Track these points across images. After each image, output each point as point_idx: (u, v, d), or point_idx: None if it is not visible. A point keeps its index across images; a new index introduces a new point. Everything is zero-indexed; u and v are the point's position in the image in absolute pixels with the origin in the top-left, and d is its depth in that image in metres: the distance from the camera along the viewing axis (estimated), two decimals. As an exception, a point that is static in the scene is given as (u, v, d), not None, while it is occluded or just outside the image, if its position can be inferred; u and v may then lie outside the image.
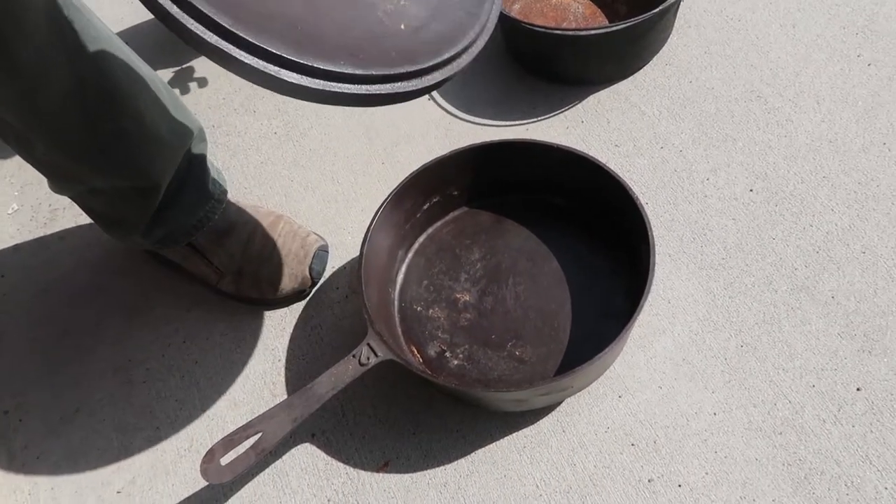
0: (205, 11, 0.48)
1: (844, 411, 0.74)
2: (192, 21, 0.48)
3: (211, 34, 0.49)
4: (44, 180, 1.13)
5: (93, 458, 0.84)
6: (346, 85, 0.53)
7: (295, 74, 0.51)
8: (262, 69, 0.50)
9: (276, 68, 0.50)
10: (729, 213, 0.89)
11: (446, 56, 0.60)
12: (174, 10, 0.48)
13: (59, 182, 0.83)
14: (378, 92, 0.55)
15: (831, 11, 1.07)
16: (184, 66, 1.23)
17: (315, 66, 0.51)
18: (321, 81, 0.52)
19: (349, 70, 0.53)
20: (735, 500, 0.71)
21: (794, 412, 0.74)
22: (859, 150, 0.92)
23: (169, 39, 1.29)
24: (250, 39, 0.49)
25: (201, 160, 0.87)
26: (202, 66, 1.23)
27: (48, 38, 0.66)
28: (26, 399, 0.91)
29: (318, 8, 0.54)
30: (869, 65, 1.00)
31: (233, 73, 0.51)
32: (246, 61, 0.49)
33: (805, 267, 0.84)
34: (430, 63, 0.58)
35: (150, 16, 1.51)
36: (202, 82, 1.20)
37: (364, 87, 0.54)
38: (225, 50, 0.49)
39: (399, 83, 0.56)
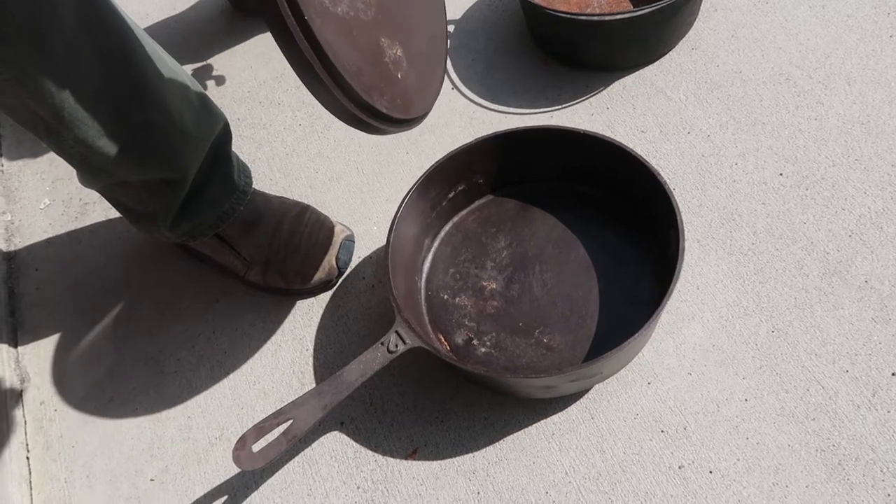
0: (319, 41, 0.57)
1: (879, 396, 0.72)
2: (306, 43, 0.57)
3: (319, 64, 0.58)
4: (74, 175, 1.15)
5: (126, 447, 0.86)
6: (370, 117, 0.64)
7: (351, 102, 0.61)
8: (336, 95, 0.60)
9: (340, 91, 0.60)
10: (758, 198, 0.88)
11: (419, 115, 0.72)
12: (302, 42, 0.57)
13: (88, 175, 0.84)
14: (383, 128, 0.67)
15: (862, -9, 1.05)
16: (207, 61, 1.25)
17: (364, 99, 0.61)
18: (360, 111, 0.62)
19: (379, 107, 0.64)
20: (767, 486, 0.70)
21: (827, 397, 0.73)
22: (893, 132, 0.90)
23: (193, 35, 1.31)
24: (345, 77, 0.59)
25: (226, 152, 0.88)
26: (224, 61, 1.24)
27: (79, 32, 0.68)
28: (62, 389, 0.92)
29: (359, 47, 0.63)
30: (902, 45, 0.98)
31: (307, 86, 0.60)
32: (332, 91, 0.59)
33: (837, 251, 0.82)
34: (412, 117, 0.70)
35: (175, 11, 1.51)
36: (225, 78, 1.21)
37: (380, 122, 0.65)
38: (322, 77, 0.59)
39: (394, 126, 0.68)
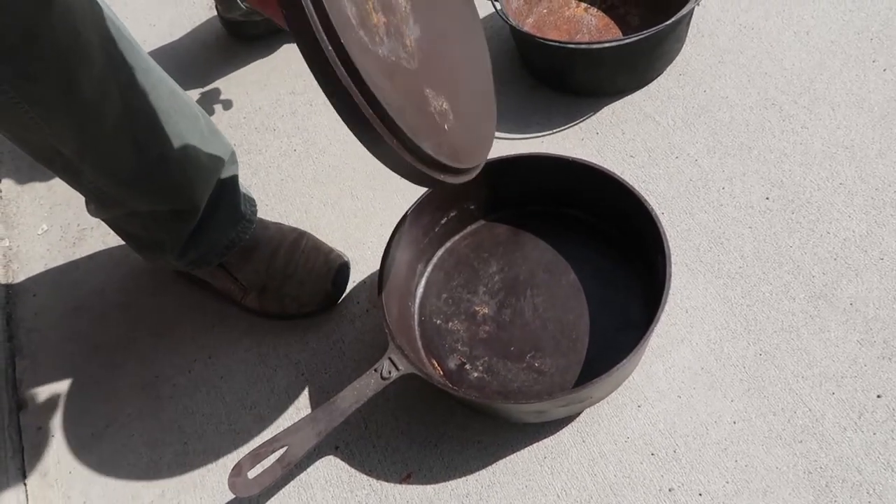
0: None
1: (865, 418, 0.74)
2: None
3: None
4: (72, 201, 1.16)
5: (123, 473, 0.86)
6: (416, 160, 0.60)
7: (394, 138, 0.57)
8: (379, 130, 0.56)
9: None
10: (745, 222, 0.90)
11: (469, 166, 0.70)
12: (338, 67, 0.52)
13: (101, 206, 0.85)
14: (432, 175, 0.63)
15: (845, 18, 1.07)
16: (203, 88, 1.26)
17: (409, 136, 0.58)
18: (405, 151, 0.59)
19: (426, 149, 0.60)
20: (756, 508, 0.71)
21: (814, 420, 0.75)
22: (876, 156, 0.92)
23: (189, 62, 1.33)
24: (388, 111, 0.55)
25: (233, 181, 0.90)
26: (221, 88, 1.26)
27: (104, 71, 0.70)
28: (59, 415, 0.93)
29: (402, 90, 0.60)
30: (884, 70, 1.00)
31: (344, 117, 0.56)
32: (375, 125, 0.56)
33: (823, 274, 0.84)
34: (462, 166, 0.68)
35: (172, 38, 1.53)
36: (221, 104, 1.22)
37: (428, 168, 0.62)
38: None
39: (444, 173, 0.65)
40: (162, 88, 0.78)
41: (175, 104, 0.79)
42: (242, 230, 0.91)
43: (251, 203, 0.94)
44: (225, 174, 0.88)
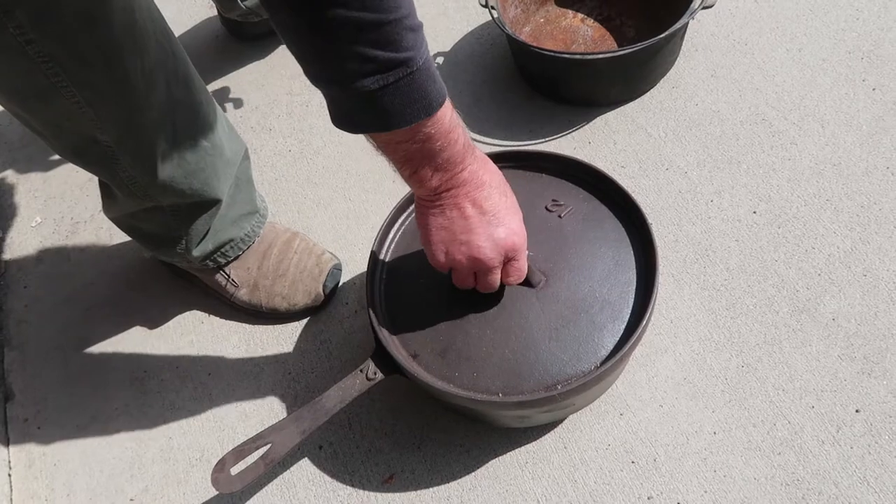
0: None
1: (843, 433, 0.75)
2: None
3: None
4: (66, 194, 1.17)
5: (108, 466, 0.87)
6: None
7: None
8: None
9: None
10: (732, 235, 0.91)
11: None
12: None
13: (127, 198, 0.83)
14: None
15: (837, 36, 1.08)
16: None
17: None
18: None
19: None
20: (733, 518, 0.72)
21: (793, 432, 0.75)
22: (862, 174, 0.93)
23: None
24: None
25: (248, 176, 0.93)
26: (218, 86, 1.27)
27: (154, 60, 0.72)
28: (46, 407, 0.94)
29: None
30: (874, 89, 1.01)
31: None
32: None
33: (806, 289, 0.85)
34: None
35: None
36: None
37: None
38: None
39: None
40: (196, 80, 0.81)
41: (206, 96, 0.83)
42: (257, 224, 0.94)
43: (262, 198, 0.96)
44: (241, 169, 0.90)
